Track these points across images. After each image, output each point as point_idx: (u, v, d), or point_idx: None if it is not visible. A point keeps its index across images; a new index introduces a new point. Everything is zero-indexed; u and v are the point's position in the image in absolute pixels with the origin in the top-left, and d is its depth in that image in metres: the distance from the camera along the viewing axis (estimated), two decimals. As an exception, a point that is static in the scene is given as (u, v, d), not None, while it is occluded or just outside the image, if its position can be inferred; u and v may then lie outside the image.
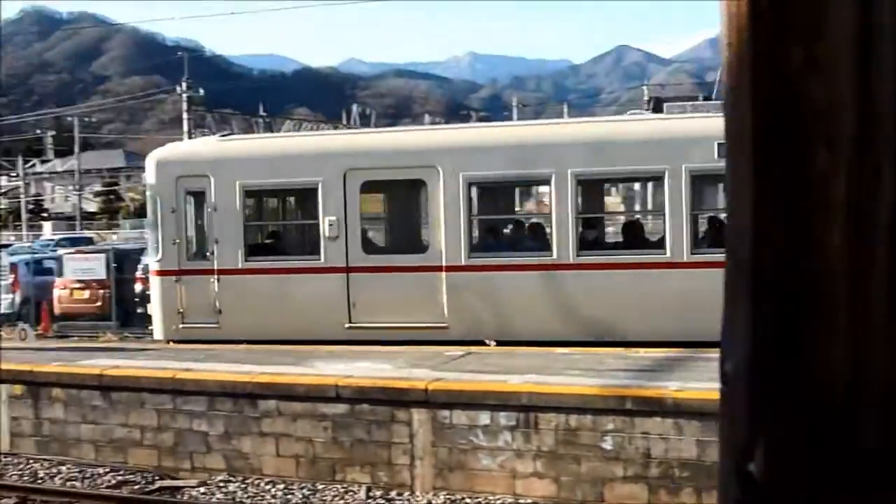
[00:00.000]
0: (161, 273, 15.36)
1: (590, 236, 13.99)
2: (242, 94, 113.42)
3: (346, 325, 14.28)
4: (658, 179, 13.55)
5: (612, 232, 16.51)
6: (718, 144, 11.65)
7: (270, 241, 16.10)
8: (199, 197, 15.35)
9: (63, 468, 12.15)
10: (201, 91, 36.23)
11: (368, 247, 14.80)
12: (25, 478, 11.89)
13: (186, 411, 11.78)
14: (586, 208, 14.16)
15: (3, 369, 13.06)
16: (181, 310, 15.19)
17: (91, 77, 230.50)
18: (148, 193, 16.29)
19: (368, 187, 14.85)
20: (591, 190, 14.70)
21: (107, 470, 11.98)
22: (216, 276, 14.93)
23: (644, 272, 13.07)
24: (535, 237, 14.55)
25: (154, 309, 15.72)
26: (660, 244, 13.37)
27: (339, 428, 10.98)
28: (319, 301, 14.34)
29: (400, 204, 16.04)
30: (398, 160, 14.39)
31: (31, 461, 12.47)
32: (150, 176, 15.89)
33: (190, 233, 15.59)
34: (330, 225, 14.33)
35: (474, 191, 14.29)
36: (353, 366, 12.00)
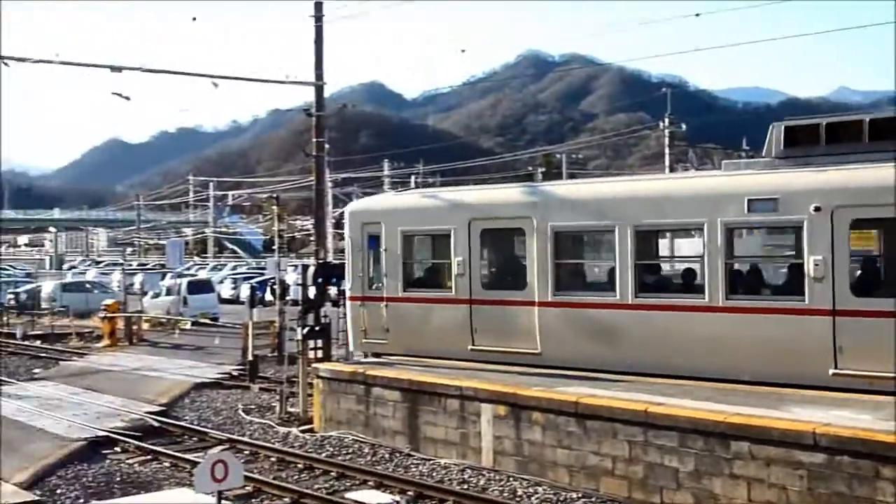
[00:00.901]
0: (352, 299, 19.36)
1: (648, 279, 15.84)
2: (725, 127, 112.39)
3: (470, 348, 17.34)
4: (699, 230, 15.07)
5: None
6: (748, 200, 14.27)
7: (420, 275, 19.26)
8: (377, 240, 19.11)
9: (539, 489, 13.07)
10: (683, 126, 36.79)
11: (486, 283, 17.70)
12: (505, 494, 13.01)
13: (657, 445, 12.10)
14: (643, 255, 15.88)
15: (489, 390, 14.43)
16: (363, 328, 19.07)
17: (579, 115, 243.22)
18: (345, 236, 20.59)
19: (487, 234, 17.87)
20: (648, 239, 16.40)
21: (579, 495, 12.67)
22: (385, 303, 18.68)
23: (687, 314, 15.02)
24: (608, 279, 16.27)
25: (348, 327, 19.65)
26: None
27: (816, 478, 10.60)
28: (451, 326, 17.64)
29: (508, 247, 18.69)
30: (505, 212, 17.62)
31: (511, 479, 13.60)
32: (346, 223, 20.32)
33: (370, 267, 19.33)
34: (458, 264, 17.70)
35: (559, 238, 16.82)
36: (830, 413, 11.52)
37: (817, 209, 13.54)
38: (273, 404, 19.87)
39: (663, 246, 17.43)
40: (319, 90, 31.20)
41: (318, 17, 29.78)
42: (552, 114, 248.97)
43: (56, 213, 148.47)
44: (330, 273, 18.78)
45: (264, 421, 18.61)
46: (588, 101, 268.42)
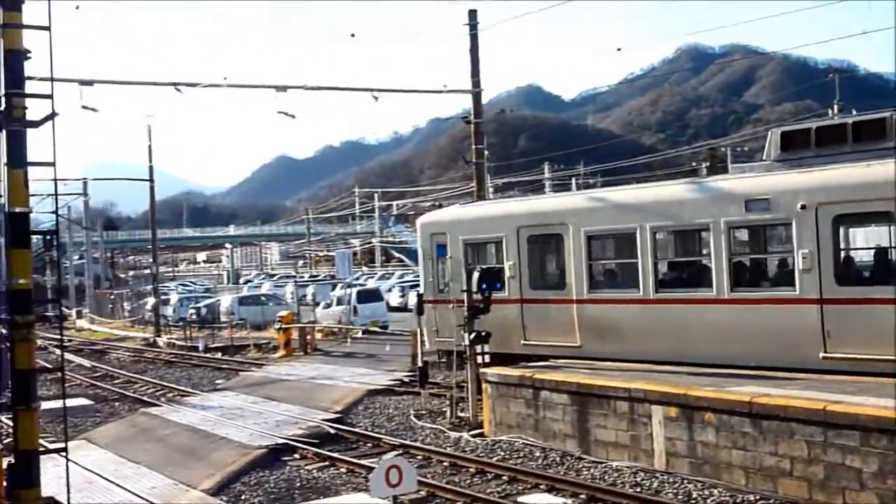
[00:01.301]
0: (425, 302, 22.27)
1: (668, 277, 18.03)
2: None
3: (522, 342, 19.80)
4: (707, 230, 16.75)
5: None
6: (746, 201, 15.95)
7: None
8: (444, 248, 21.95)
9: (714, 491, 12.80)
10: (854, 112, 35.22)
11: (533, 283, 20.00)
12: (680, 497, 12.81)
13: (838, 445, 11.67)
14: (663, 254, 18.14)
15: (658, 391, 14.26)
16: (435, 328, 22.20)
17: (742, 107, 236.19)
18: (418, 246, 23.54)
19: (532, 240, 20.25)
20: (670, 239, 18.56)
21: (757, 498, 12.35)
22: (452, 305, 20.76)
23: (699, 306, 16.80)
24: (631, 277, 18.17)
25: (423, 328, 22.19)
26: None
27: None
28: (506, 324, 19.78)
29: (551, 251, 20.45)
30: (546, 219, 20.03)
31: (685, 481, 13.38)
32: (418, 234, 23.71)
33: (439, 273, 22.26)
34: (510, 267, 20.26)
35: (591, 241, 19.09)
36: None
37: (803, 207, 15.03)
38: (443, 409, 20.18)
39: (686, 244, 18.65)
40: (477, 97, 31.51)
41: (473, 25, 30.08)
42: (714, 107, 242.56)
43: (231, 230, 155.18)
44: (494, 279, 18.92)
45: (435, 426, 18.93)
46: (751, 91, 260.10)
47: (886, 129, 15.15)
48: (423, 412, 20.51)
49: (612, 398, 15.02)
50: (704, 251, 17.18)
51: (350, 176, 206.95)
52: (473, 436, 17.61)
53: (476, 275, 18.75)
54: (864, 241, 16.40)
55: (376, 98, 30.70)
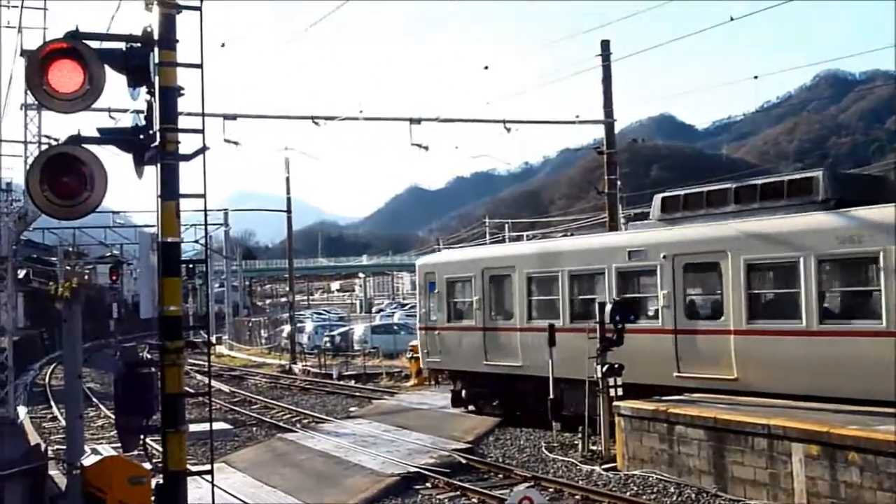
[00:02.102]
0: (420, 328, 28.35)
1: (578, 310, 22.01)
2: None
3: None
4: (602, 274, 21.56)
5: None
6: (629, 251, 20.61)
7: (458, 309, 26.28)
8: (434, 285, 26.90)
9: (860, 535, 12.32)
10: None
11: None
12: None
13: None
14: (575, 293, 22.51)
15: (799, 428, 13.79)
16: (426, 350, 27.48)
17: (886, 134, 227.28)
18: (416, 283, 29.26)
19: (492, 279, 24.91)
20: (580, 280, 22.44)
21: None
22: (437, 332, 26.58)
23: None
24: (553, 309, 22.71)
25: (419, 350, 28.43)
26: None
27: None
28: (472, 347, 25.22)
29: (504, 288, 24.57)
30: (501, 262, 25.09)
31: (828, 523, 12.90)
32: (417, 273, 29.15)
33: (431, 305, 27.21)
34: (476, 301, 25.14)
35: (531, 281, 23.49)
36: None
37: (664, 257, 19.54)
38: (575, 442, 19.99)
39: (589, 284, 22.10)
40: (609, 127, 31.35)
41: (606, 56, 30.02)
42: (855, 135, 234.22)
43: (364, 260, 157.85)
44: (627, 311, 18.71)
45: (567, 459, 18.77)
46: (894, 119, 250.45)
47: (727, 197, 19.46)
48: (555, 445, 20.38)
49: (750, 434, 14.62)
50: (597, 291, 21.54)
51: (480, 206, 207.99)
52: (606, 469, 17.39)
53: (609, 306, 18.60)
54: (711, 283, 19.24)
55: (508, 129, 30.90)
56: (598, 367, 18.54)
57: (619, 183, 31.90)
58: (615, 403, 17.93)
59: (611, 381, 18.46)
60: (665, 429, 16.37)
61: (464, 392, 26.15)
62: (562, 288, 22.34)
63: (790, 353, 16.81)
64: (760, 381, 17.33)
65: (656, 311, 19.76)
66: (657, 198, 21.34)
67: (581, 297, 22.22)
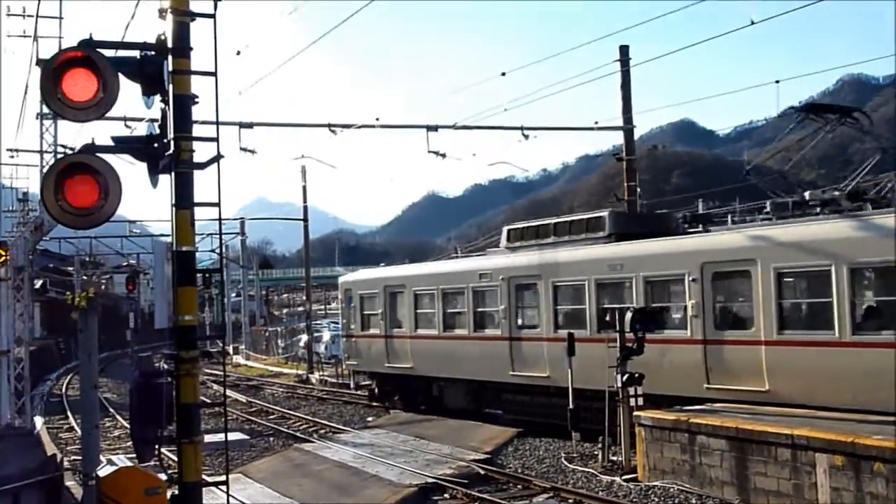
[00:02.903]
0: (343, 336, 34.82)
1: (449, 321, 27.59)
2: None
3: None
4: (463, 293, 27.32)
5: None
6: (479, 274, 26.27)
7: (368, 321, 31.90)
8: (352, 300, 32.77)
9: (886, 547, 12.21)
10: None
11: (361, 325, 31.91)
12: (848, 551, 12.24)
13: None
14: (448, 307, 27.89)
15: (823, 438, 13.69)
16: (347, 354, 34.33)
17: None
18: (339, 298, 36.74)
19: (390, 295, 30.60)
20: (452, 296, 27.78)
21: (934, 555, 11.70)
22: (354, 339, 32.62)
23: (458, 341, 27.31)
24: (430, 320, 28.66)
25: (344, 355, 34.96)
26: None
27: None
28: (378, 352, 30.96)
29: (399, 304, 30.49)
30: (397, 281, 30.79)
31: (853, 535, 12.79)
32: (339, 290, 35.70)
33: (350, 317, 33.15)
34: (380, 315, 30.78)
35: (417, 297, 28.98)
36: None
37: (503, 279, 24.89)
38: (595, 452, 19.92)
39: (454, 300, 27.25)
40: (629, 134, 31.29)
41: (625, 61, 29.96)
42: (880, 140, 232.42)
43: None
44: (648, 319, 18.63)
45: (587, 469, 18.70)
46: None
47: (549, 230, 24.35)
48: (575, 455, 20.31)
49: (774, 444, 14.53)
50: (460, 305, 26.91)
51: (499, 214, 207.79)
52: (626, 480, 17.31)
53: (629, 314, 18.53)
54: (532, 300, 24.31)
55: (526, 136, 30.90)
56: (619, 377, 18.46)
57: (638, 190, 31.82)
58: (635, 413, 17.85)
59: (631, 391, 18.38)
60: (686, 439, 16.28)
61: (376, 389, 32.27)
62: (437, 302, 27.87)
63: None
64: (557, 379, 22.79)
65: (496, 322, 25.38)
66: (504, 229, 26.67)
67: (450, 310, 27.63)
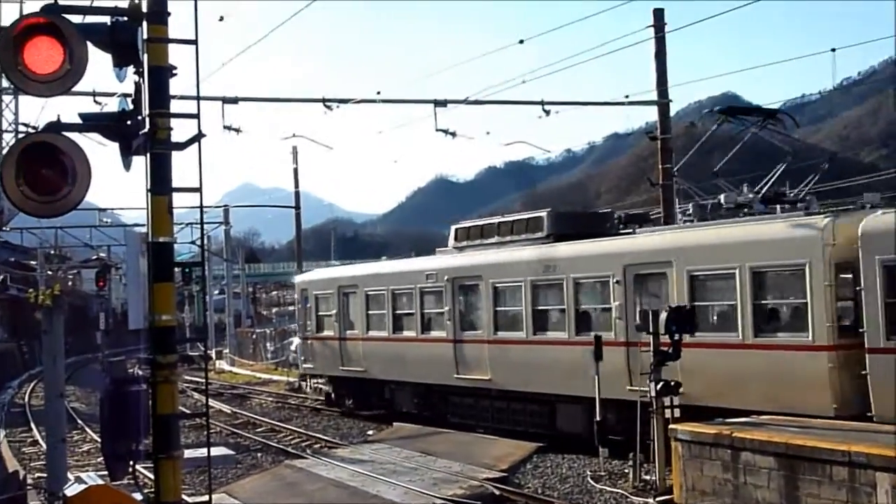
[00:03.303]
0: (299, 338, 37.77)
1: (399, 323, 30.92)
2: None
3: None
4: (411, 294, 30.51)
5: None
6: (426, 274, 29.40)
7: (323, 322, 35.08)
8: (308, 300, 35.97)
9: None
10: None
11: (317, 326, 36.08)
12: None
13: None
14: (399, 309, 31.03)
15: (885, 455, 13.65)
16: (302, 357, 37.38)
17: None
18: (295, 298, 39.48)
19: (343, 295, 33.57)
20: (399, 297, 31.18)
21: None
22: (309, 341, 35.63)
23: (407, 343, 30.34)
24: (381, 321, 32.29)
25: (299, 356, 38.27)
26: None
27: None
28: (333, 356, 34.08)
29: (352, 304, 33.31)
30: (350, 281, 33.72)
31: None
32: (296, 289, 38.55)
33: (305, 317, 36.52)
34: (335, 314, 34.01)
35: (368, 297, 32.26)
36: None
37: (447, 279, 27.71)
38: (626, 471, 19.93)
39: (405, 300, 30.34)
40: (664, 109, 31.23)
41: (660, 27, 29.84)
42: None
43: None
44: (684, 320, 18.60)
45: (616, 490, 18.72)
46: None
47: (494, 231, 27.28)
48: (602, 474, 20.32)
49: (828, 462, 14.48)
50: (409, 307, 29.94)
51: (516, 200, 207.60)
52: (661, 502, 17.31)
53: (664, 315, 18.50)
54: (475, 302, 27.35)
55: (547, 112, 30.90)
56: (652, 385, 18.45)
57: (675, 173, 31.76)
58: (671, 426, 17.83)
59: (666, 401, 18.35)
60: (729, 456, 16.25)
61: (332, 394, 35.39)
62: (388, 303, 30.88)
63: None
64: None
65: (441, 324, 28.25)
66: (452, 228, 29.58)
67: (400, 311, 30.57)
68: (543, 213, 25.81)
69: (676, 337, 18.39)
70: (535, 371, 23.90)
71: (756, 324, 18.99)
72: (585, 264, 23.12)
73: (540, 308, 24.45)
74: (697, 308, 19.63)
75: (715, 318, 20.47)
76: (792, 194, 21.32)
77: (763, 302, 19.28)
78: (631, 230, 23.67)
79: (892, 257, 16.64)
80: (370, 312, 31.72)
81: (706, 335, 19.56)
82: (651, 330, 18.60)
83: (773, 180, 21.48)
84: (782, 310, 19.38)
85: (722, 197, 21.05)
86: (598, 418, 20.84)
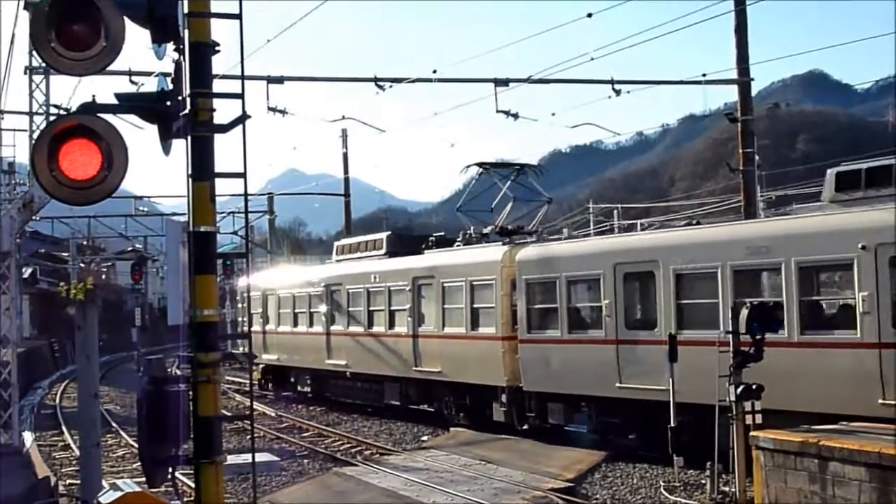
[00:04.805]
0: (264, 332, 43.97)
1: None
2: None
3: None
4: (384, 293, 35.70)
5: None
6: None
7: (277, 317, 43.15)
8: (266, 298, 44.14)
9: None
10: None
11: (284, 323, 43.58)
12: None
13: None
14: (372, 306, 36.12)
15: None
16: (262, 350, 44.07)
17: None
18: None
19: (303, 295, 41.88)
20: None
21: None
22: (263, 335, 43.71)
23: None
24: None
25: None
26: None
27: None
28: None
29: (318, 303, 40.00)
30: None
31: None
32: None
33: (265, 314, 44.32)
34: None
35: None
36: None
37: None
38: (703, 481, 19.80)
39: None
40: (745, 88, 30.91)
41: (740, 0, 29.51)
42: None
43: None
44: (769, 317, 18.40)
45: (692, 502, 18.60)
46: None
47: (345, 249, 38.94)
48: (677, 484, 20.21)
49: (927, 474, 14.29)
50: (302, 307, 40.30)
51: (583, 187, 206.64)
52: (741, 516, 17.18)
53: (745, 312, 18.32)
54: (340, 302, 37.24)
55: (617, 92, 30.73)
56: (732, 389, 18.28)
57: (756, 158, 31.44)
58: (752, 434, 17.67)
59: (747, 406, 18.18)
60: (816, 466, 16.07)
61: (262, 379, 45.52)
62: (291, 303, 41.28)
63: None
64: None
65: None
66: (335, 244, 41.90)
67: (298, 310, 40.78)
68: (384, 235, 37.73)
69: (758, 336, 18.22)
70: (370, 357, 34.98)
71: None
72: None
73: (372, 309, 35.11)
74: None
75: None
76: None
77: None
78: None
79: None
80: (281, 311, 42.49)
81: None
82: (731, 328, 18.44)
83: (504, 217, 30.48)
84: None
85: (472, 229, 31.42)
86: (672, 424, 20.70)
